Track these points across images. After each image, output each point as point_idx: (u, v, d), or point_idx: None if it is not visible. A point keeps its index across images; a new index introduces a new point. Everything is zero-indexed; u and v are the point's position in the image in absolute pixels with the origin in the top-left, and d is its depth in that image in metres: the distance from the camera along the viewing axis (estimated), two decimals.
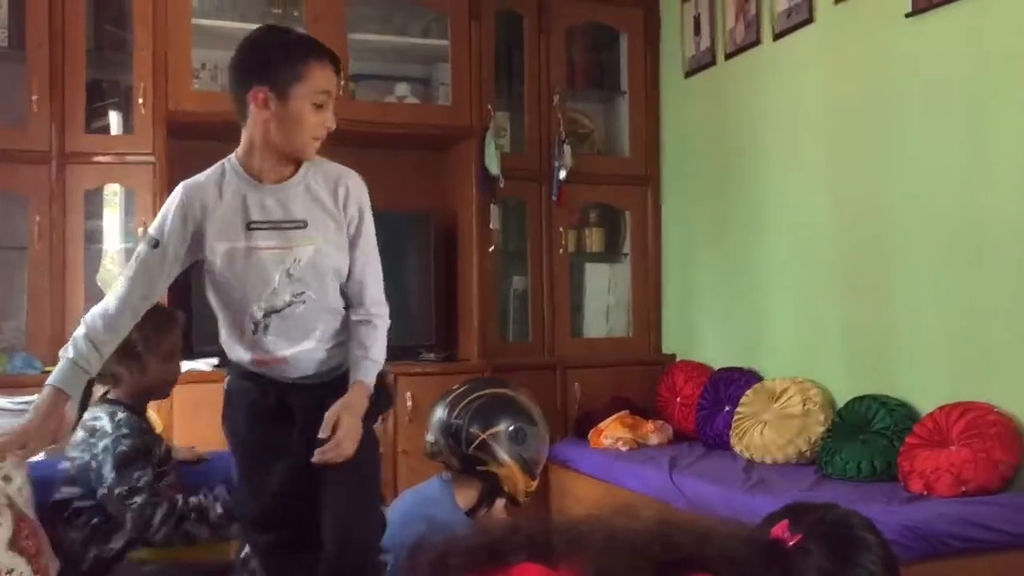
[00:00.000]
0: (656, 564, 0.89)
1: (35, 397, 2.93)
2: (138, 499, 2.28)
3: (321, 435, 1.87)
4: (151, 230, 1.99)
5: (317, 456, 1.85)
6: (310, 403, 1.97)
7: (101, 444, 2.34)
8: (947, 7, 2.94)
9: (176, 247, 1.96)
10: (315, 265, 2.00)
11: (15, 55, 3.57)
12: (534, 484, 2.21)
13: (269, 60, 1.92)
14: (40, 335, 3.49)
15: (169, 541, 2.30)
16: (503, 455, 2.10)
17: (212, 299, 2.04)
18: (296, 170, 2.02)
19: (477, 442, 2.10)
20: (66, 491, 2.37)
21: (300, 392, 2.02)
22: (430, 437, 2.18)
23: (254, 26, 3.82)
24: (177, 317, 2.50)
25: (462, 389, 2.23)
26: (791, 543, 1.15)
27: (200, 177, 2.02)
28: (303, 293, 2.00)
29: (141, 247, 1.98)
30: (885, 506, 2.61)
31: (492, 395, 2.19)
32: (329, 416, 1.88)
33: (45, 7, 3.53)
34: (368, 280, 2.12)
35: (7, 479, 1.80)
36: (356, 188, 2.14)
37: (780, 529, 1.18)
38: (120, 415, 2.37)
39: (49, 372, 3.32)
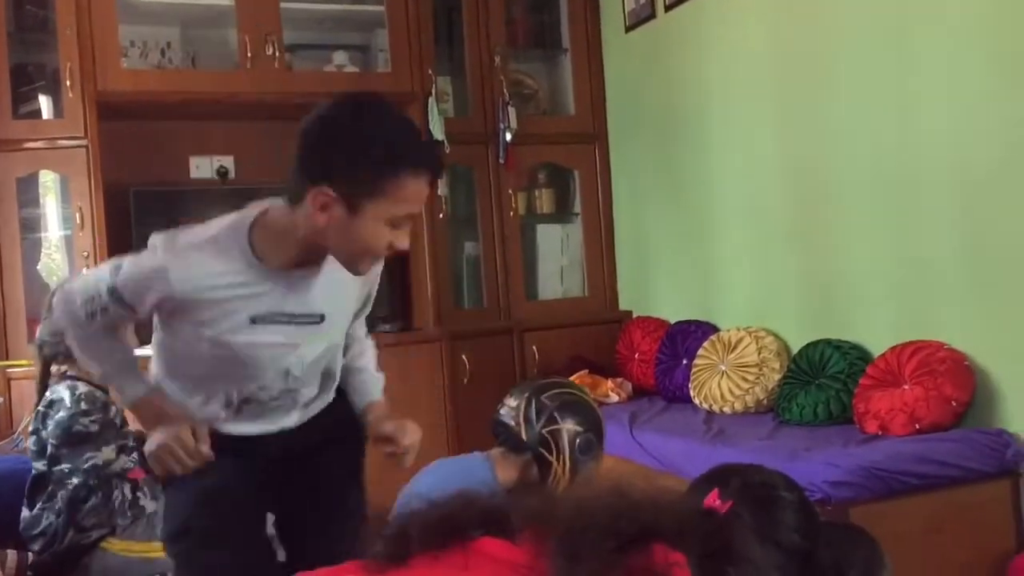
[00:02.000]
0: (620, 538, 0.89)
1: None
2: (75, 480, 2.24)
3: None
4: (121, 286, 1.60)
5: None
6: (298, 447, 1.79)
7: (56, 417, 2.30)
8: None
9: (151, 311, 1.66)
10: (319, 360, 1.74)
11: None
12: None
13: (349, 161, 1.49)
14: None
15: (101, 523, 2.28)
16: (567, 452, 2.10)
17: (164, 351, 1.71)
18: (323, 258, 1.63)
19: (553, 428, 2.09)
20: (39, 465, 2.33)
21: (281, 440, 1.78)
22: (512, 402, 2.16)
23: (182, 1, 3.78)
24: None
25: (559, 380, 2.28)
26: (723, 511, 1.21)
27: (192, 256, 1.58)
28: (296, 391, 1.74)
29: (105, 298, 1.61)
30: (842, 448, 2.64)
31: (583, 399, 2.20)
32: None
33: None
34: (363, 328, 1.95)
35: None
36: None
37: (711, 498, 1.24)
38: (81, 389, 2.32)
39: None
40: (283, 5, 3.80)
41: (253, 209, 1.64)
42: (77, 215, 3.48)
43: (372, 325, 3.98)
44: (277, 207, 1.61)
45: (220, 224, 1.64)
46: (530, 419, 2.13)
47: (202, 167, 4.05)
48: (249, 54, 3.72)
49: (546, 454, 2.10)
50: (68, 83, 3.48)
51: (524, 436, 2.12)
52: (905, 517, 2.41)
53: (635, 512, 0.92)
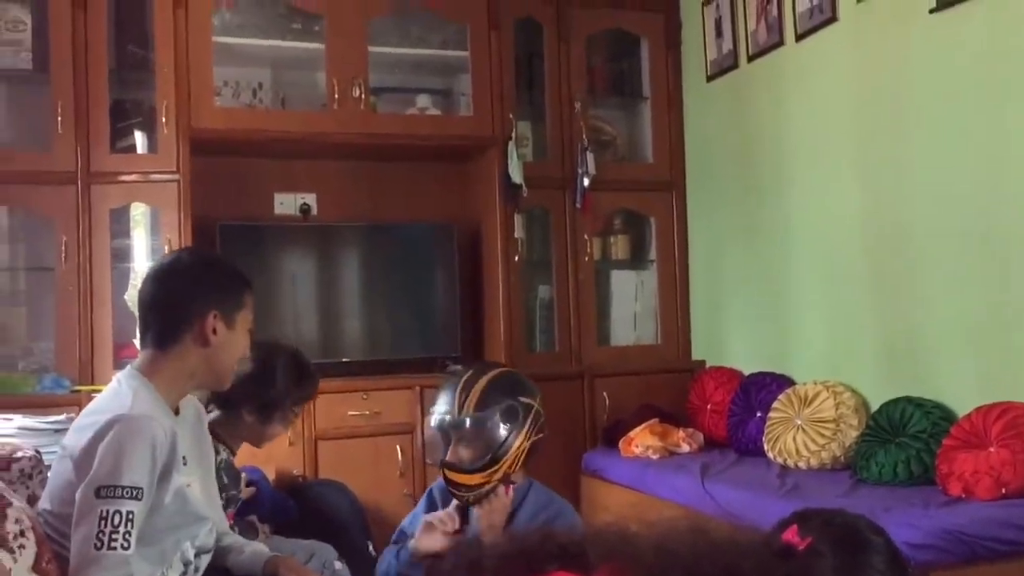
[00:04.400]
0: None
1: (63, 416, 2.95)
2: None
3: None
4: (141, 483, 1.67)
5: None
6: None
7: None
8: (970, 2, 2.89)
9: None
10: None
11: (39, 78, 3.61)
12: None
13: (219, 288, 1.86)
14: (69, 355, 3.51)
15: None
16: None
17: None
18: None
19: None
20: None
21: None
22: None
23: (276, 43, 3.92)
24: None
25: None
26: (802, 547, 1.17)
27: (146, 411, 1.73)
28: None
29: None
30: (923, 510, 2.56)
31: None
32: None
33: (68, 30, 3.56)
34: None
35: (35, 498, 1.80)
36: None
37: (790, 534, 1.20)
38: (223, 456, 2.35)
39: (78, 392, 3.38)
40: (371, 49, 3.91)
41: (123, 375, 1.83)
42: (166, 247, 3.59)
43: (442, 366, 4.05)
44: (144, 362, 1.82)
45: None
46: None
47: (286, 203, 4.15)
48: (336, 96, 3.82)
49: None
50: (164, 119, 3.61)
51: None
52: None
53: (715, 552, 0.90)
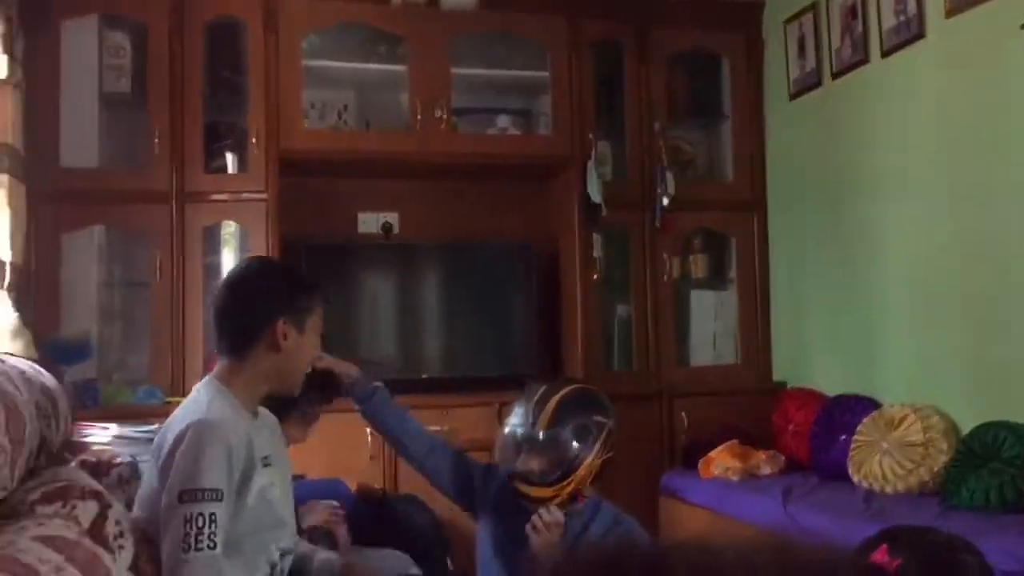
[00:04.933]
0: None
1: (157, 426, 3.05)
2: None
3: None
4: (220, 485, 1.72)
5: None
6: None
7: None
8: None
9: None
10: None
11: (138, 101, 3.76)
12: None
13: (287, 295, 1.90)
14: (162, 368, 3.64)
15: None
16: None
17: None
18: None
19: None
20: None
21: None
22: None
23: (362, 66, 4.01)
24: None
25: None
26: (892, 568, 1.14)
27: (220, 416, 1.79)
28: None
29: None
30: (1019, 538, 2.47)
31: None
32: None
33: (165, 56, 3.71)
34: None
35: (131, 503, 1.87)
36: None
37: (880, 554, 1.17)
38: None
39: (171, 403, 3.50)
40: (453, 71, 3.98)
41: (203, 383, 1.91)
42: None
43: (520, 383, 4.05)
44: (221, 370, 1.89)
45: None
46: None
47: (368, 222, 4.24)
48: (419, 117, 3.90)
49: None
50: (255, 141, 3.73)
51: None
52: None
53: (802, 568, 0.89)
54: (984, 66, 3.17)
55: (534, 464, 2.13)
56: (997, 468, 2.90)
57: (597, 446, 2.12)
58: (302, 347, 1.90)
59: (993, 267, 3.15)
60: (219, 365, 1.91)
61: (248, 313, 1.88)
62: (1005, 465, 2.89)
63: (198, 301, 3.69)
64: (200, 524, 1.65)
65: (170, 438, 1.75)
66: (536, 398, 2.16)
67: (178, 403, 3.43)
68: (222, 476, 1.70)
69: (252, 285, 1.92)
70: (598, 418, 2.15)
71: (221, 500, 1.68)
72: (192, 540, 1.64)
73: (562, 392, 2.17)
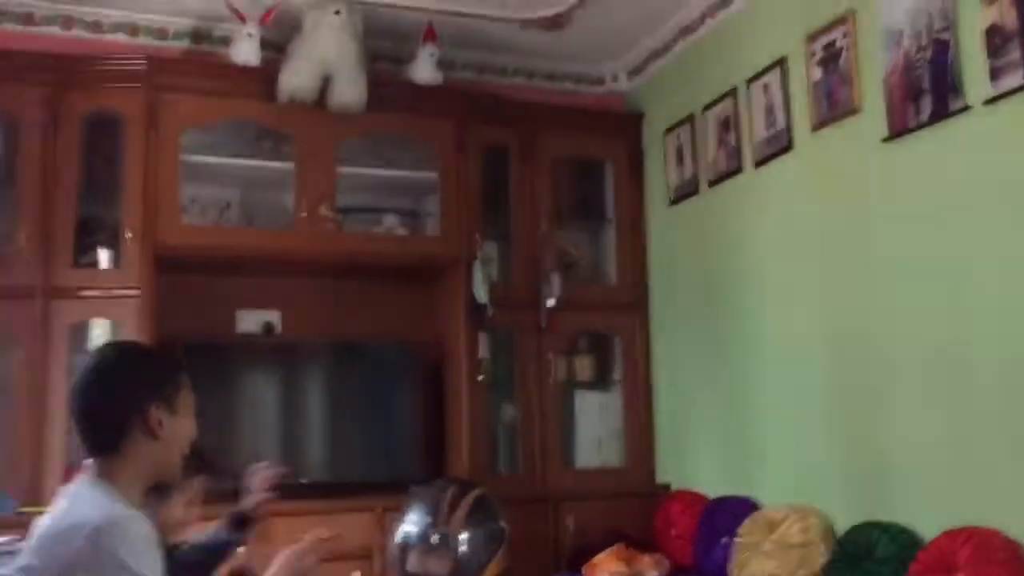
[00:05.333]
0: None
1: (6, 539, 2.82)
2: None
3: None
4: None
5: None
6: None
7: None
8: (919, 132, 3.00)
9: None
10: None
11: (4, 192, 3.61)
12: None
13: (154, 380, 1.78)
14: (17, 475, 3.40)
15: None
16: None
17: None
18: None
19: None
20: None
21: None
22: None
23: (245, 162, 3.96)
24: None
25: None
26: None
27: (126, 512, 1.70)
28: None
29: None
30: None
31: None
32: None
33: (38, 147, 3.60)
34: None
35: None
36: None
37: None
38: None
39: (24, 513, 3.26)
40: (340, 170, 3.96)
41: (81, 484, 1.75)
42: None
43: (403, 487, 3.96)
44: (98, 471, 1.73)
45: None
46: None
47: (248, 321, 4.13)
48: (304, 214, 3.85)
49: None
50: (129, 235, 3.61)
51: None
52: None
53: None
54: (848, 176, 3.34)
55: (437, 567, 2.02)
56: (871, 569, 2.94)
57: (499, 553, 2.05)
58: (179, 430, 1.79)
59: (864, 367, 3.25)
60: (92, 465, 1.75)
61: (116, 407, 1.74)
62: (878, 565, 2.93)
63: (60, 404, 3.48)
64: None
65: (71, 541, 1.60)
66: (448, 496, 2.08)
67: (30, 514, 3.22)
68: (156, 561, 1.65)
69: (114, 376, 1.78)
70: (502, 524, 2.09)
71: None
72: None
73: (474, 493, 2.10)
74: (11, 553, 2.92)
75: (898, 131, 3.08)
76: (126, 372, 1.79)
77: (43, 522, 1.73)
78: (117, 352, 1.94)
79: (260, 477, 2.50)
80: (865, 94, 3.22)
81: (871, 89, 3.19)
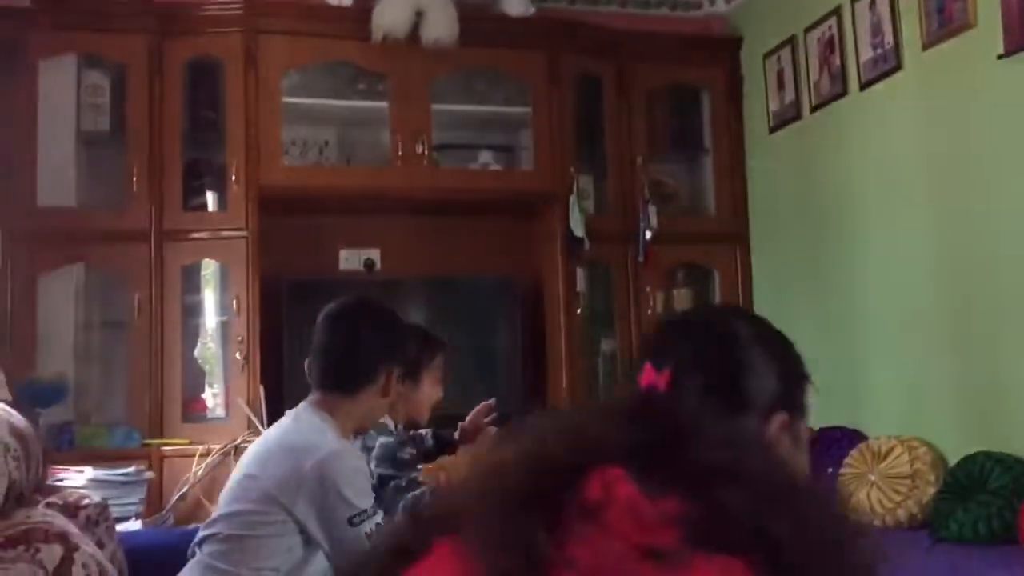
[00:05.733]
0: (530, 490, 0.60)
1: (133, 468, 2.99)
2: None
3: None
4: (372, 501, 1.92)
5: None
6: None
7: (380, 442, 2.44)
8: None
9: None
10: None
11: (116, 140, 3.75)
12: None
13: (403, 342, 2.09)
14: (140, 409, 3.58)
15: None
16: None
17: None
18: None
19: None
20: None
21: None
22: None
23: (341, 103, 4.01)
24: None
25: None
26: (663, 383, 0.98)
27: (343, 445, 1.97)
28: None
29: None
30: (1007, 571, 2.44)
31: None
32: None
33: (145, 94, 3.70)
34: None
35: (101, 544, 1.82)
36: None
37: (647, 376, 1.00)
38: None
39: (148, 445, 3.44)
40: (434, 107, 3.98)
41: (305, 409, 2.00)
42: (234, 303, 3.67)
43: (505, 420, 4.03)
44: (323, 401, 1.98)
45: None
46: None
47: (350, 259, 4.21)
48: (400, 152, 3.89)
49: None
50: (233, 178, 3.71)
51: None
52: None
53: (550, 449, 0.63)
54: (961, 97, 3.19)
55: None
56: (984, 500, 2.87)
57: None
58: (417, 395, 2.22)
59: (977, 295, 3.14)
60: (319, 395, 1.99)
61: (369, 355, 1.99)
62: (992, 496, 2.86)
63: (177, 341, 3.65)
64: (372, 534, 1.84)
65: (296, 461, 1.83)
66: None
67: (155, 446, 3.40)
68: (369, 492, 1.89)
69: (377, 326, 2.04)
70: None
71: (377, 512, 1.87)
72: None
73: None
74: (138, 483, 3.10)
75: (1015, 47, 2.91)
76: (384, 330, 2.03)
77: (268, 435, 1.95)
78: (381, 310, 2.14)
79: (479, 409, 2.77)
80: (980, 8, 3.05)
81: (986, 3, 3.02)
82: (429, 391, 2.31)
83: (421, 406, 2.33)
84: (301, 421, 1.94)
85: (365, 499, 1.86)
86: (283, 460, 1.87)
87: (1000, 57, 2.98)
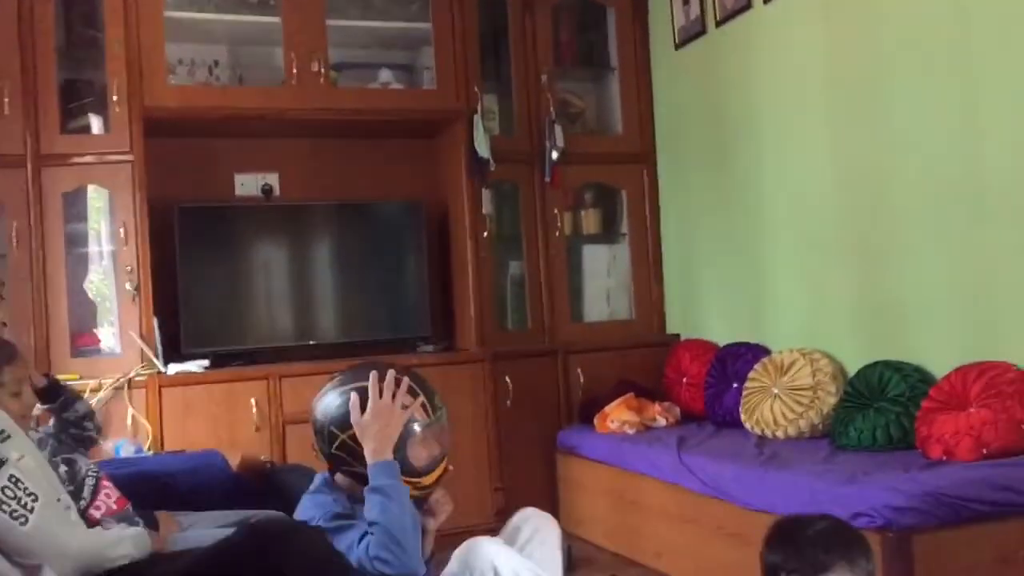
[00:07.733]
0: None
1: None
2: None
3: None
4: None
5: None
6: None
7: None
8: None
9: None
10: None
11: None
12: None
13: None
14: (24, 344, 3.38)
15: None
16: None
17: None
18: None
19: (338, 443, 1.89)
20: None
21: None
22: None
23: (230, 17, 3.79)
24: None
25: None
26: None
27: None
28: None
29: None
30: (904, 473, 2.50)
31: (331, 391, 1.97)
32: None
33: (13, 9, 3.44)
34: None
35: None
36: None
37: None
38: None
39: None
40: (329, 23, 3.80)
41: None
42: (121, 230, 3.48)
43: (413, 346, 3.96)
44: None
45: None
46: (319, 433, 1.92)
47: (247, 184, 4.04)
48: (295, 71, 3.71)
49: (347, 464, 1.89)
50: (115, 99, 3.49)
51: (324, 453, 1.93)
52: (974, 546, 2.27)
53: None
54: (864, 12, 3.17)
55: (436, 450, 1.97)
56: (883, 407, 2.94)
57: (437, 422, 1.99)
58: None
59: (875, 209, 3.17)
60: None
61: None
62: (890, 404, 2.93)
63: (60, 272, 3.45)
64: None
65: None
66: (422, 382, 2.01)
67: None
68: None
69: None
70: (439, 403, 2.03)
71: None
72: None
73: (412, 370, 2.03)
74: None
75: None
76: None
77: None
78: None
79: None
80: None
81: None
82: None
83: None
84: None
85: None
86: None
87: None
